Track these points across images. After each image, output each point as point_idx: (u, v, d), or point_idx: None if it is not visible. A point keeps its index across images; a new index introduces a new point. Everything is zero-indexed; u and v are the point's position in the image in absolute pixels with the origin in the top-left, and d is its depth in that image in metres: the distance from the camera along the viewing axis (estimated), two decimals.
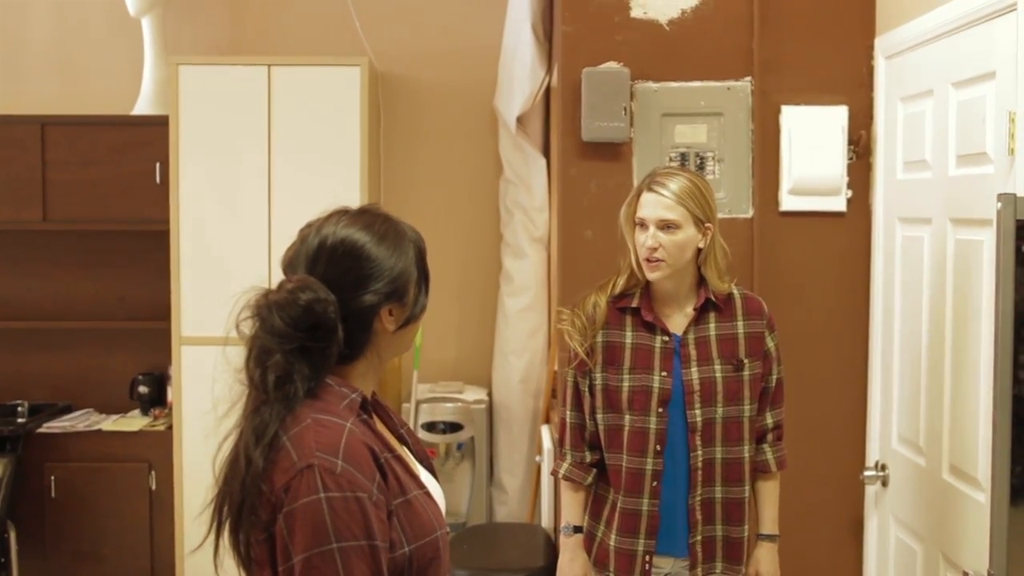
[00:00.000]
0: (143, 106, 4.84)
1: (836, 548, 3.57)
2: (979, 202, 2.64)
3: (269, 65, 4.52)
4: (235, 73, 4.54)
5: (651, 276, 2.69)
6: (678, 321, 2.75)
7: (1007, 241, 2.12)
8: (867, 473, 3.38)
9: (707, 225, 2.68)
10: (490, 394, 4.88)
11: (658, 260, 2.66)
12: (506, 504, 4.82)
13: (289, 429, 1.65)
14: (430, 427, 4.71)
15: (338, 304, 1.69)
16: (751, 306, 2.80)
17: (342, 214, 1.80)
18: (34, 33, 5.09)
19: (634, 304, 2.75)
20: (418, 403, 4.72)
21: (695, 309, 2.73)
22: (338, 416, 1.69)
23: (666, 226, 2.65)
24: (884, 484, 3.33)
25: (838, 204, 3.53)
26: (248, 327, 1.67)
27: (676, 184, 2.66)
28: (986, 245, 2.61)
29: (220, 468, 1.69)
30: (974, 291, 2.68)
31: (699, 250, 2.70)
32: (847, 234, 3.53)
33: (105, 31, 5.07)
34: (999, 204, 2.13)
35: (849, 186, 3.52)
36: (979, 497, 2.62)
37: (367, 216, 1.80)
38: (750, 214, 3.56)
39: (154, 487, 4.67)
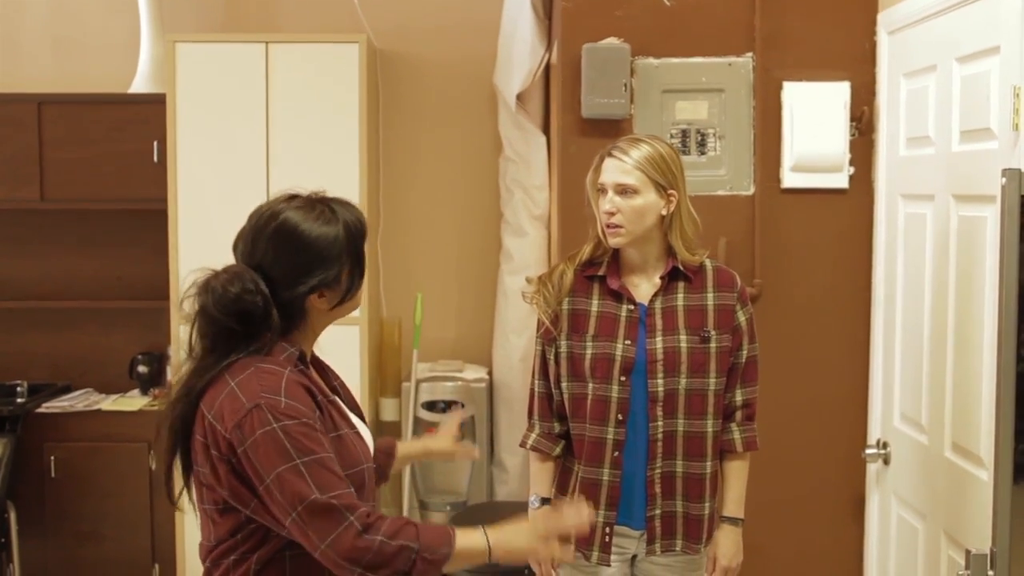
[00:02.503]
0: (140, 84, 4.81)
1: (837, 526, 3.56)
2: (983, 178, 2.62)
3: (267, 42, 4.49)
4: (232, 51, 4.51)
5: (612, 242, 2.69)
6: (645, 290, 2.74)
7: (1011, 217, 2.10)
8: (869, 451, 3.37)
9: (670, 192, 2.67)
10: (490, 373, 4.88)
11: (616, 226, 2.66)
12: (507, 483, 4.82)
13: (235, 377, 1.91)
14: (430, 406, 4.69)
15: (272, 290, 1.93)
16: (722, 278, 2.77)
17: (288, 199, 2.01)
18: (30, 11, 5.05)
19: (601, 272, 2.75)
20: (418, 382, 4.71)
21: (662, 278, 2.72)
22: (279, 365, 1.94)
23: (623, 191, 2.65)
24: (886, 462, 3.32)
25: (840, 181, 3.51)
26: (189, 305, 1.93)
27: (637, 150, 2.66)
28: (990, 221, 2.59)
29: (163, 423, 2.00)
30: (977, 268, 2.67)
31: (663, 217, 2.69)
32: (849, 211, 3.51)
33: (101, 9, 5.03)
34: (1003, 179, 2.11)
35: (851, 163, 3.50)
36: (981, 475, 2.61)
37: (308, 205, 2.00)
38: (751, 191, 3.54)
39: (154, 467, 4.66)
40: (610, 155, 2.70)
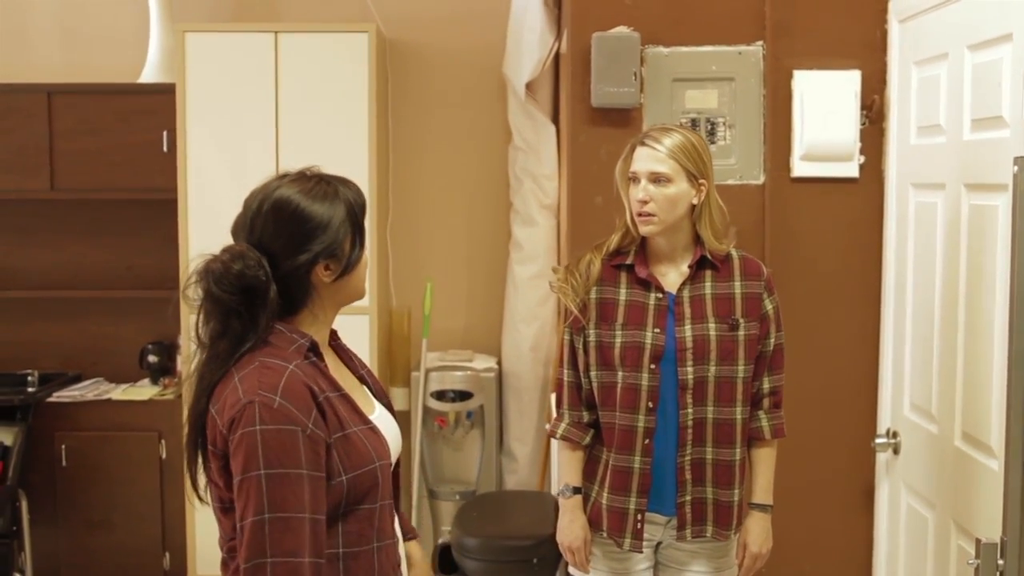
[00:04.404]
0: (150, 74, 4.81)
1: (847, 516, 3.56)
2: (994, 167, 2.61)
3: (276, 32, 4.50)
4: (242, 40, 4.51)
5: (643, 230, 2.70)
6: (673, 279, 2.74)
7: (1023, 205, 2.09)
8: (879, 440, 3.36)
9: (701, 181, 2.68)
10: (500, 362, 4.88)
11: (649, 214, 2.66)
12: (516, 472, 4.82)
13: (240, 371, 1.88)
14: (440, 395, 4.70)
15: (274, 265, 1.90)
16: (749, 267, 2.79)
17: (280, 178, 2.00)
18: (39, 1, 5.05)
19: (629, 261, 2.76)
20: (428, 371, 4.72)
21: (690, 267, 2.73)
22: (284, 359, 1.90)
23: (657, 179, 2.65)
24: (896, 452, 3.31)
25: (851, 170, 3.49)
26: (193, 292, 1.91)
27: (669, 139, 2.67)
28: (1001, 210, 2.58)
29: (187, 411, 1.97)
30: (988, 257, 2.66)
31: (693, 207, 2.70)
32: (860, 200, 3.50)
33: None
34: (1015, 168, 2.10)
35: (862, 152, 3.48)
36: (992, 464, 2.61)
37: (303, 178, 1.99)
38: (761, 180, 3.53)
39: (164, 456, 4.68)
40: (642, 144, 2.70)
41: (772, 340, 2.79)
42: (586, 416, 2.82)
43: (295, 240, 1.92)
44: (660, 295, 2.73)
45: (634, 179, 2.70)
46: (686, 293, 2.73)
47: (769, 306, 2.78)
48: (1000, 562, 2.10)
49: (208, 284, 1.88)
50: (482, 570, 3.80)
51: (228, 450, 1.85)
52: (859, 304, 3.52)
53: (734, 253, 2.79)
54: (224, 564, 1.98)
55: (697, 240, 2.74)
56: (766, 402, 2.81)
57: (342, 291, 2.03)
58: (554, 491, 4.13)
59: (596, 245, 2.82)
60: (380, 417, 2.07)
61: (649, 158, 2.67)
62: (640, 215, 2.68)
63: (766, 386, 2.80)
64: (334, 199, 1.97)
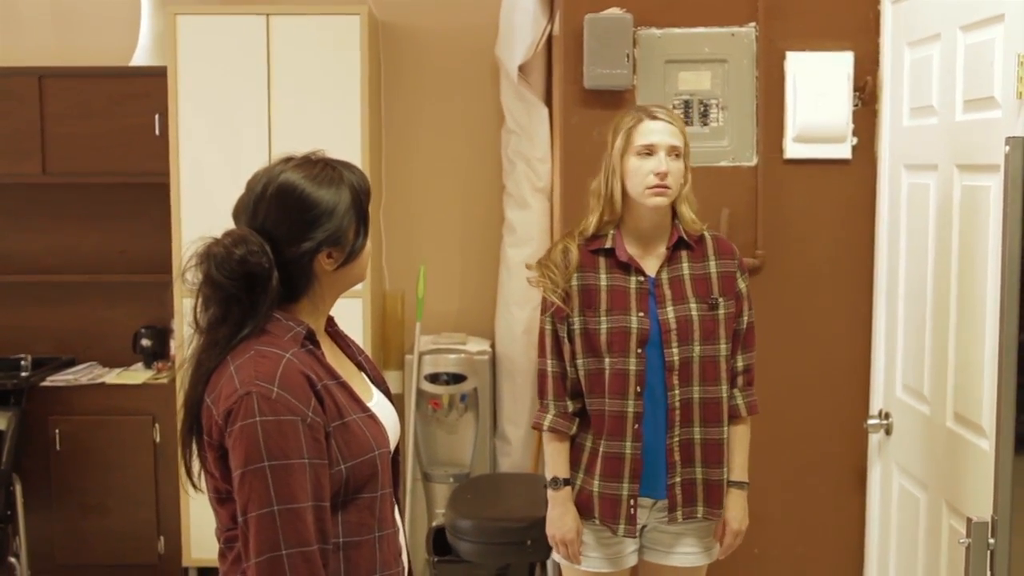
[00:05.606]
0: (141, 57, 4.80)
1: (839, 497, 3.57)
2: (986, 147, 2.61)
3: (268, 14, 4.48)
4: (233, 22, 4.49)
5: (654, 202, 2.69)
6: (651, 262, 2.76)
7: (1014, 186, 2.09)
8: (871, 422, 3.38)
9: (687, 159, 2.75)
10: (493, 345, 4.88)
11: (665, 187, 2.67)
12: (510, 455, 4.83)
13: (236, 360, 1.84)
14: (433, 378, 4.70)
15: (276, 251, 1.86)
16: (722, 247, 2.83)
17: (285, 161, 1.94)
18: None
19: (608, 245, 2.76)
20: (421, 354, 4.72)
21: (668, 248, 2.74)
22: (280, 347, 1.85)
23: (674, 152, 2.69)
24: (888, 433, 3.32)
25: (843, 151, 3.50)
26: (192, 275, 1.85)
27: (671, 114, 2.74)
28: (993, 191, 2.58)
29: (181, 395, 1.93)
30: (980, 238, 2.66)
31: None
32: (852, 182, 3.50)
33: None
34: (1007, 148, 2.10)
35: (855, 133, 3.48)
36: (983, 444, 2.62)
37: (308, 163, 1.94)
38: (754, 162, 3.53)
39: (158, 440, 4.69)
40: (654, 117, 2.71)
41: (745, 318, 2.82)
42: (571, 406, 2.80)
43: (299, 227, 1.88)
44: (641, 278, 2.74)
45: (650, 152, 2.69)
46: (664, 275, 2.74)
47: (742, 284, 2.82)
48: (991, 541, 2.11)
49: (209, 268, 1.83)
50: (476, 552, 3.81)
51: (224, 441, 1.81)
52: (852, 285, 3.53)
53: (706, 234, 2.82)
54: (222, 554, 1.94)
55: (672, 221, 2.77)
56: (740, 380, 2.84)
57: (343, 279, 1.98)
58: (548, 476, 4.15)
59: (567, 232, 2.84)
60: (378, 404, 2.04)
61: (667, 132, 2.69)
62: (655, 187, 2.68)
63: (740, 364, 2.83)
64: (339, 185, 1.92)
